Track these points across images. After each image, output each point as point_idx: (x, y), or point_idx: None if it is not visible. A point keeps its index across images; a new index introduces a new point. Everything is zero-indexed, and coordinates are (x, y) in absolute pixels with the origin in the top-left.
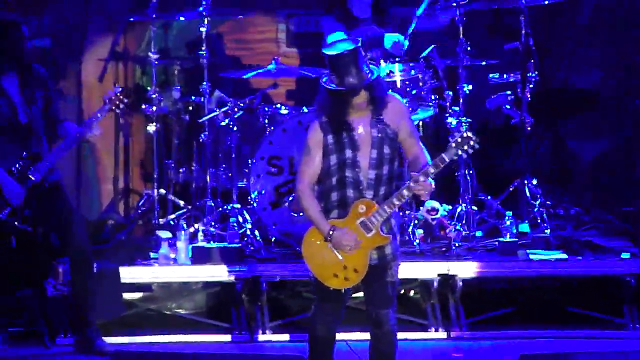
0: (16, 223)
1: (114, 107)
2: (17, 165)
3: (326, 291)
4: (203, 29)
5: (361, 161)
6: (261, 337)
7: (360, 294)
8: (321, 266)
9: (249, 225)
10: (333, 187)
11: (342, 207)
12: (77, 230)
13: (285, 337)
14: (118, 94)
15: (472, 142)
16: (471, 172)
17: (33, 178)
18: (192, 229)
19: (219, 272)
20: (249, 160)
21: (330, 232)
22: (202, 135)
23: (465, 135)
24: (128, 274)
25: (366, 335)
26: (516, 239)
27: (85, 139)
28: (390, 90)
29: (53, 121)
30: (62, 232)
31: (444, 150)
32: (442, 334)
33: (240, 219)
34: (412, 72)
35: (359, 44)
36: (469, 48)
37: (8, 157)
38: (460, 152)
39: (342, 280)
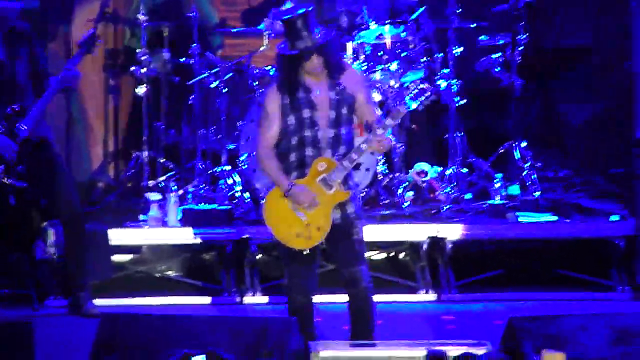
0: (6, 180)
1: (88, 49)
2: (4, 122)
3: (292, 254)
4: None
5: (319, 121)
6: (251, 299)
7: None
8: (283, 227)
9: (238, 188)
10: (291, 147)
11: (301, 167)
12: (68, 190)
13: (275, 299)
14: (92, 35)
15: (427, 93)
16: (461, 134)
17: (20, 134)
18: (181, 191)
19: (209, 234)
20: (239, 123)
21: (289, 189)
22: (192, 97)
23: (420, 86)
24: (117, 236)
25: (337, 298)
26: (505, 202)
27: (67, 85)
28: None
29: (41, 74)
30: (52, 191)
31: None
32: (431, 296)
33: (230, 181)
34: (403, 34)
35: (310, 9)
36: (458, 10)
37: None
38: (415, 104)
39: (305, 240)
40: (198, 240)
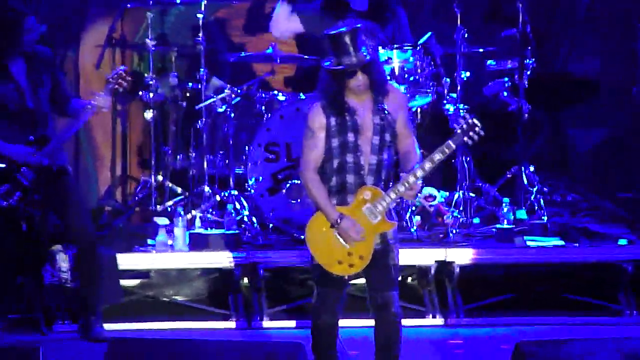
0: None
1: (117, 86)
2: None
3: (329, 278)
4: (200, 15)
5: (363, 146)
6: (259, 324)
7: (358, 281)
8: (326, 253)
9: (246, 212)
10: (333, 171)
11: (342, 192)
12: (83, 217)
13: (284, 323)
14: (122, 72)
15: (477, 129)
16: (468, 159)
17: (44, 162)
18: (189, 216)
19: (217, 259)
20: (247, 147)
21: (338, 220)
22: (200, 121)
23: (470, 121)
24: (126, 260)
25: (360, 322)
26: (513, 226)
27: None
28: (390, 80)
29: (63, 100)
30: (68, 217)
31: (443, 140)
32: (439, 321)
33: (238, 206)
34: (411, 59)
35: (358, 26)
36: (466, 35)
37: (17, 142)
38: (466, 139)
39: (346, 267)
40: (206, 265)
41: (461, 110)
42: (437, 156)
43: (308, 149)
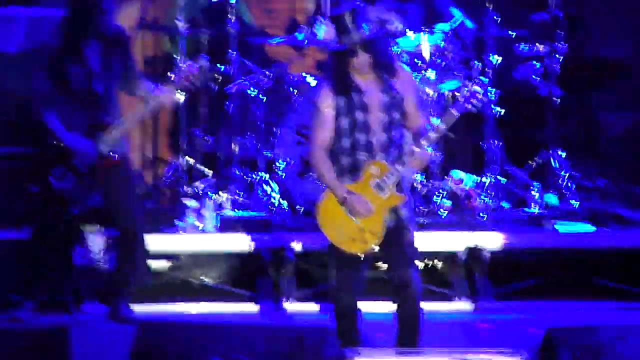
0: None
1: (189, 85)
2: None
3: (344, 258)
4: None
5: (372, 124)
6: (286, 306)
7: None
8: (338, 231)
9: (275, 195)
10: (344, 150)
11: (354, 171)
12: (133, 202)
13: (311, 306)
14: (196, 72)
15: (478, 95)
16: (499, 142)
17: (103, 149)
18: (218, 198)
19: (245, 242)
20: (276, 130)
21: (346, 197)
22: (230, 104)
23: (472, 88)
24: (154, 242)
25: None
26: (543, 211)
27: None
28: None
29: (133, 80)
30: (118, 203)
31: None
32: (467, 305)
33: (267, 188)
34: (441, 43)
35: (359, 4)
36: (497, 18)
37: (79, 126)
38: (469, 106)
39: (359, 244)
40: (234, 248)
41: (491, 95)
42: (442, 125)
43: (316, 128)
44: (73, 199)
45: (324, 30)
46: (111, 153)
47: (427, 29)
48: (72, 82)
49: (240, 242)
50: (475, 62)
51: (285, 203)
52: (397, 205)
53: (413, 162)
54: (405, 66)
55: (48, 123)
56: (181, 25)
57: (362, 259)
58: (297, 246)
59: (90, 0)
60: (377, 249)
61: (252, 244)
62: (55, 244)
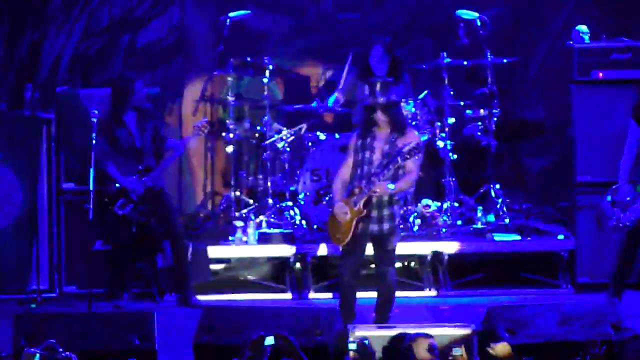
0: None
1: (201, 132)
2: (135, 176)
3: (343, 249)
4: (265, 80)
5: (374, 162)
6: (306, 296)
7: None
8: (332, 230)
9: (298, 217)
10: (353, 177)
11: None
12: (176, 220)
13: (325, 295)
14: (204, 123)
15: (417, 150)
16: (453, 179)
17: (148, 184)
18: (258, 220)
19: (277, 250)
20: (298, 171)
21: (334, 205)
22: (265, 153)
23: (413, 145)
24: (214, 251)
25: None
26: (485, 226)
27: (183, 151)
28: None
29: (161, 140)
30: (166, 223)
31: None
32: (433, 293)
33: (292, 213)
34: (413, 109)
35: (389, 80)
36: (452, 92)
37: (129, 170)
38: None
39: (337, 239)
40: (270, 254)
41: (448, 145)
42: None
43: (342, 164)
44: (133, 220)
45: (332, 100)
46: (153, 186)
47: (405, 100)
48: (120, 141)
49: (274, 251)
50: (437, 122)
51: (304, 223)
52: (383, 217)
53: (377, 190)
54: (416, 132)
55: (109, 171)
56: (230, 98)
57: (351, 250)
58: (313, 253)
59: (126, 84)
60: (346, 242)
61: (283, 252)
62: (142, 253)
